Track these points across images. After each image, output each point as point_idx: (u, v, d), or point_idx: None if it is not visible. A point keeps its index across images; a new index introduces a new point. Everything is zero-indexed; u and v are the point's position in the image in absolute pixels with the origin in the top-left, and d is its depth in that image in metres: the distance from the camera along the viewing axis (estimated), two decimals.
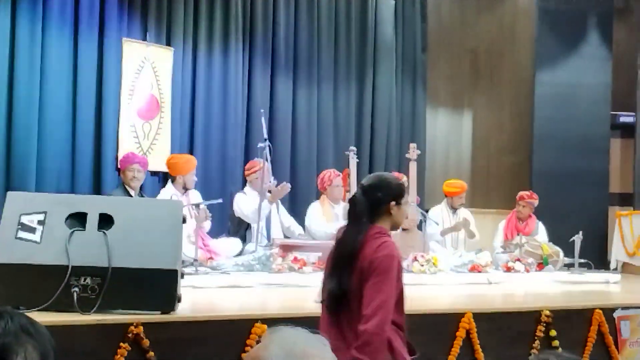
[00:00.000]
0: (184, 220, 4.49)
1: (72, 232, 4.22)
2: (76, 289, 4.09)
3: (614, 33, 11.60)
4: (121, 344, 4.04)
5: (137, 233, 4.29)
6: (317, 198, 8.90)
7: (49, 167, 8.20)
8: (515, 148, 11.84)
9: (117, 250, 4.19)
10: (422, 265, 7.78)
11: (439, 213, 9.28)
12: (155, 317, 4.21)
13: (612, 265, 10.56)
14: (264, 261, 7.03)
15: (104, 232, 4.24)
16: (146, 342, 4.11)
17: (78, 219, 4.30)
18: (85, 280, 4.13)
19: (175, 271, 4.23)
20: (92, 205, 4.40)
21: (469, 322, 5.49)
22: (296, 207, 9.35)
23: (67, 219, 4.29)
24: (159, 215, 4.43)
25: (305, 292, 6.57)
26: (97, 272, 4.14)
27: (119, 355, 4.02)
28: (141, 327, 4.09)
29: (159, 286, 4.20)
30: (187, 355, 4.26)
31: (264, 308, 5.23)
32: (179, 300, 4.35)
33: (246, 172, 8.52)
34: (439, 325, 5.48)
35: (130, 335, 4.06)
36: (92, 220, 4.29)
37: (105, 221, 4.32)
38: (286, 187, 8.07)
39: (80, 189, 8.25)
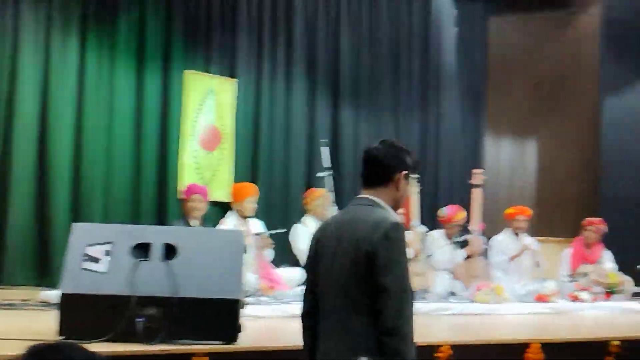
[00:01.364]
0: (246, 250, 4.51)
1: (137, 263, 4.26)
2: (140, 319, 4.13)
3: None
4: None
5: (200, 263, 4.33)
6: None
7: (114, 197, 8.36)
8: (581, 175, 11.64)
9: (181, 281, 4.22)
10: (487, 295, 7.68)
11: (503, 239, 9.14)
12: (219, 347, 4.22)
13: None
14: None
15: (168, 262, 4.28)
16: None
17: (142, 250, 4.36)
18: (149, 310, 4.16)
19: (238, 301, 4.25)
20: (156, 235, 4.45)
21: (536, 353, 5.39)
22: None
23: (131, 249, 4.34)
24: (221, 245, 4.46)
25: None
26: (161, 302, 4.17)
27: None
28: (206, 358, 4.10)
29: (222, 316, 4.21)
30: None
31: None
32: (240, 330, 4.36)
33: (306, 200, 8.50)
34: (506, 356, 5.39)
35: None
36: (157, 251, 4.34)
37: (169, 251, 4.36)
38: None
39: (144, 220, 8.38)
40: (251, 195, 8.04)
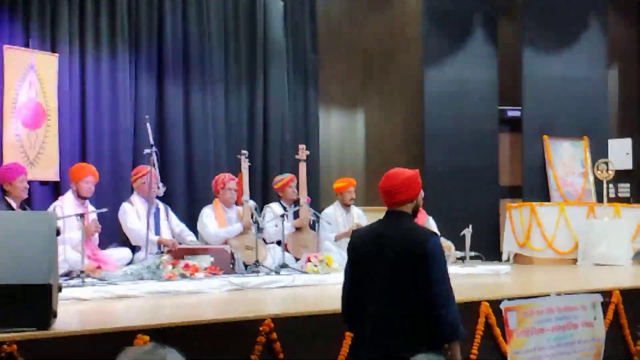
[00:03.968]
0: (58, 233, 4.37)
1: None
2: None
3: (498, 30, 11.90)
4: None
5: (8, 248, 4.15)
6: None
7: None
8: (408, 146, 12.02)
9: None
10: (316, 266, 7.81)
11: (332, 213, 9.32)
12: (29, 334, 4.08)
13: (505, 257, 10.85)
14: (154, 269, 6.92)
15: None
16: None
17: None
18: None
19: (49, 285, 4.11)
20: None
21: None
22: (193, 212, 9.25)
23: None
24: (31, 228, 4.30)
25: (197, 298, 6.52)
26: None
27: None
28: (14, 346, 3.96)
29: (32, 302, 4.07)
30: None
31: (148, 318, 5.13)
32: (55, 316, 4.23)
33: (132, 178, 8.38)
34: (329, 326, 5.49)
35: (3, 354, 3.93)
36: None
37: None
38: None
39: None
40: (87, 175, 7.86)
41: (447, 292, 3.90)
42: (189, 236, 8.35)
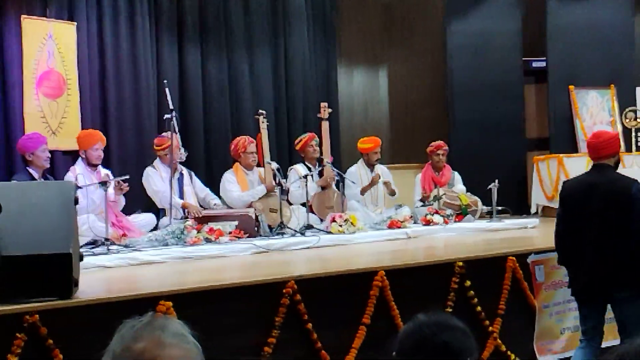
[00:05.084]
0: (76, 202, 4.36)
1: None
2: None
3: None
4: (17, 334, 3.93)
5: (27, 219, 4.15)
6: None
7: None
8: (433, 101, 11.87)
9: (7, 238, 4.04)
10: (341, 226, 7.78)
11: (356, 172, 9.25)
12: (51, 304, 4.09)
13: (533, 210, 10.73)
14: (179, 235, 6.92)
15: None
16: (44, 330, 4.01)
17: None
18: None
19: (69, 255, 4.10)
20: None
21: (382, 280, 5.49)
22: (213, 176, 9.24)
23: None
24: (49, 198, 4.29)
25: (221, 262, 6.52)
26: None
27: (15, 346, 3.91)
28: (36, 316, 3.98)
29: (53, 272, 4.07)
30: (89, 339, 4.15)
31: (172, 284, 5.13)
32: (76, 284, 4.24)
33: (156, 148, 8.31)
34: (355, 285, 5.47)
35: (25, 325, 3.95)
36: None
37: None
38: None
39: None
40: (95, 142, 7.82)
41: None
42: (214, 200, 8.32)
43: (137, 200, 8.31)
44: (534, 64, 11.60)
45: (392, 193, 9.23)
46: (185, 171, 8.29)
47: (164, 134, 8.27)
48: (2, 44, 8.50)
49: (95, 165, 7.83)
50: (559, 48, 11.25)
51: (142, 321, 1.87)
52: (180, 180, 8.16)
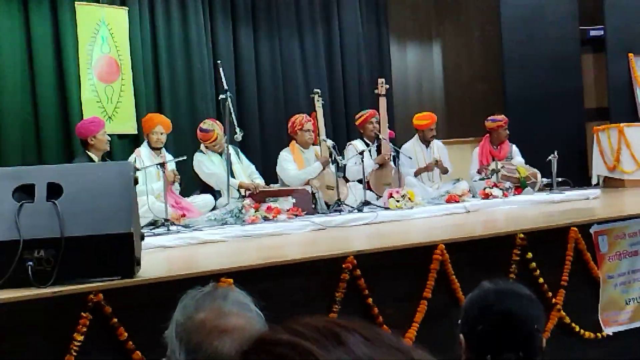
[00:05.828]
0: (136, 182, 4.39)
1: (21, 205, 4.11)
2: (30, 262, 3.99)
3: None
4: (82, 313, 3.97)
5: (87, 199, 4.18)
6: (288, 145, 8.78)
7: (10, 141, 8.07)
8: (488, 74, 11.72)
9: (69, 219, 4.08)
10: (398, 201, 7.73)
11: (412, 148, 9.19)
12: (115, 283, 4.13)
13: (594, 181, 10.56)
14: (237, 213, 6.95)
15: (53, 202, 4.13)
16: (108, 309, 4.04)
17: (26, 192, 4.19)
18: (39, 253, 4.03)
19: (131, 234, 4.13)
20: (39, 175, 4.28)
21: (442, 254, 5.43)
22: (268, 155, 9.27)
23: (14, 192, 4.18)
24: (109, 179, 4.32)
25: (280, 240, 6.53)
26: (50, 244, 4.03)
27: (81, 325, 3.96)
28: (100, 295, 4.01)
29: (115, 251, 4.10)
30: (153, 317, 4.18)
31: (232, 262, 5.15)
32: (139, 263, 4.27)
33: (203, 142, 8.27)
34: (414, 259, 5.43)
35: (90, 304, 3.99)
36: (40, 191, 4.18)
37: (55, 191, 4.20)
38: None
39: (49, 160, 8.12)
40: (154, 126, 7.91)
41: None
42: (257, 179, 8.30)
43: (194, 182, 8.37)
44: (592, 33, 11.37)
45: (445, 171, 9.15)
46: (232, 149, 8.28)
47: (207, 129, 8.18)
48: (58, 31, 8.61)
49: (159, 149, 7.92)
50: (617, 15, 11.00)
51: (204, 291, 1.87)
52: (229, 160, 8.19)
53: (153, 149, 7.93)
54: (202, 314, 1.84)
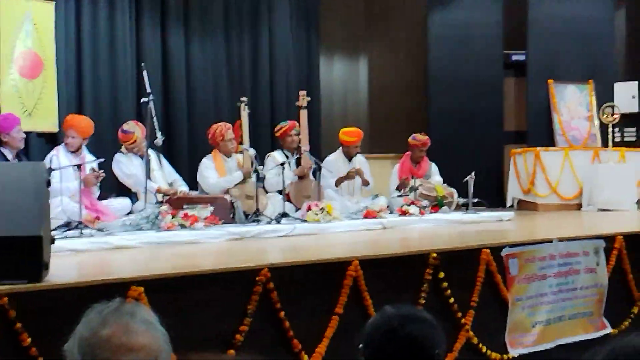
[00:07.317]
0: (49, 184, 4.30)
1: None
2: None
3: None
4: None
5: None
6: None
7: None
8: (412, 91, 11.87)
9: None
10: (317, 214, 7.76)
11: (334, 161, 9.24)
12: (20, 287, 4.04)
13: (509, 203, 10.78)
14: (153, 219, 6.87)
15: None
16: (12, 313, 3.96)
17: None
18: None
19: (39, 238, 4.05)
20: None
21: (356, 270, 5.47)
22: (195, 161, 9.16)
23: None
24: (21, 179, 4.22)
25: (195, 248, 6.48)
26: None
27: None
28: (5, 299, 3.92)
29: (22, 255, 4.01)
30: (59, 324, 4.11)
31: (144, 269, 5.09)
32: (47, 268, 4.18)
33: (123, 143, 8.18)
34: (328, 274, 5.45)
35: None
36: None
37: None
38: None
39: None
40: (68, 129, 7.79)
41: None
42: (181, 187, 8.24)
43: (113, 184, 8.24)
44: (514, 57, 11.63)
45: (366, 183, 9.23)
46: (153, 155, 8.19)
47: (128, 131, 8.11)
48: None
49: (77, 150, 7.79)
50: (539, 41, 11.29)
51: (111, 306, 1.84)
52: (148, 164, 8.09)
53: (75, 150, 7.78)
54: (109, 330, 1.80)
